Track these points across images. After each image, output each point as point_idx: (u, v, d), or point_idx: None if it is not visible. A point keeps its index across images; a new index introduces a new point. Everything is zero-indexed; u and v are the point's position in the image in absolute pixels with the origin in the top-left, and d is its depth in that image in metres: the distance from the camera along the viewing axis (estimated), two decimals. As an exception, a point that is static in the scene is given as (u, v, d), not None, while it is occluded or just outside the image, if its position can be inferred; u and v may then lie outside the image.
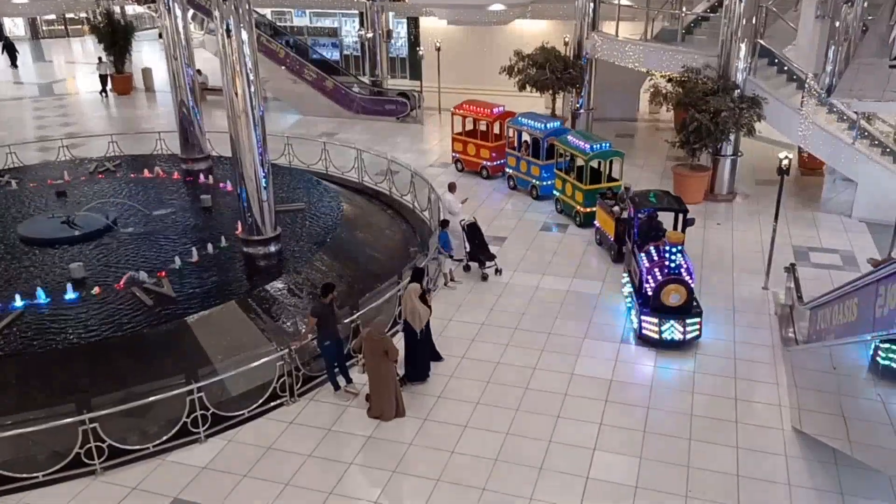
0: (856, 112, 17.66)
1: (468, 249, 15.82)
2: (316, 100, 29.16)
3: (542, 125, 19.87)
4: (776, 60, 19.84)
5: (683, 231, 13.95)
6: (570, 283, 15.35)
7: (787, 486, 9.61)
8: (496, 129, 21.63)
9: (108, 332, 11.68)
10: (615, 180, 18.21)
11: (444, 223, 15.40)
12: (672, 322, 12.49)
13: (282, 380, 11.37)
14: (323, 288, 11.51)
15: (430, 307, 11.96)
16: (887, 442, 7.66)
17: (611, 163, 18.23)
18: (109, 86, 33.93)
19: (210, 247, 14.50)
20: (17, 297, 12.52)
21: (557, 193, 19.13)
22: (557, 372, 12.14)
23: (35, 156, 23.09)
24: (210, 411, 10.68)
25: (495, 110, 21.38)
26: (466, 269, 15.84)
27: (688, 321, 12.51)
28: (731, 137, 19.31)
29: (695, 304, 12.77)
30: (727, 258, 16.36)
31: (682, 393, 11.56)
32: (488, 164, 21.65)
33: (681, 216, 14.13)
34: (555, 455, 10.21)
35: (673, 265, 12.66)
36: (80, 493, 9.68)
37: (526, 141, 20.15)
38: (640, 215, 14.27)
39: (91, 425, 9.82)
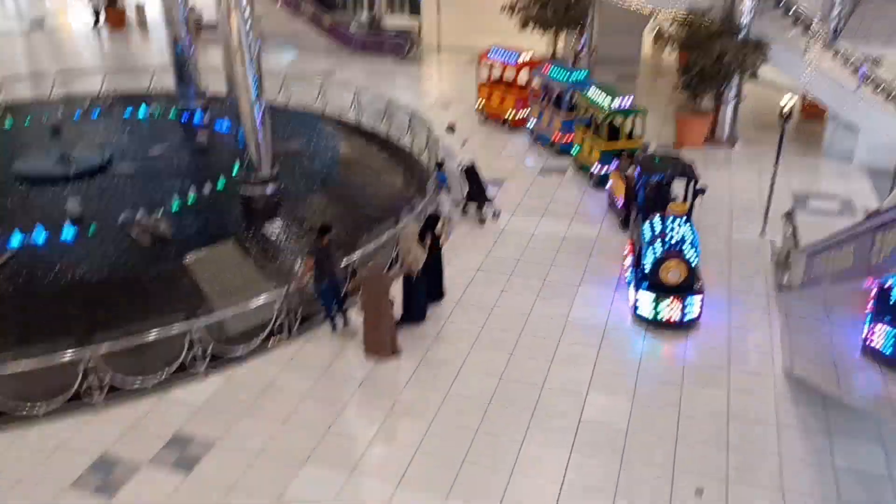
0: (861, 56, 17.39)
1: (466, 192, 15.77)
2: (313, 37, 28.60)
3: (567, 76, 18.67)
4: (782, 2, 19.42)
5: (693, 200, 13.04)
6: (567, 228, 15.35)
7: (775, 426, 9.80)
8: (522, 79, 20.64)
9: (106, 271, 11.71)
10: (635, 139, 17.06)
11: (441, 164, 15.31)
12: (669, 301, 11.62)
13: (280, 320, 11.46)
14: (319, 229, 11.50)
15: (440, 246, 12.06)
16: (874, 387, 7.80)
17: (633, 120, 17.05)
18: (103, 18, 33.20)
19: (207, 187, 14.42)
20: (16, 234, 12.49)
21: (576, 151, 18.15)
22: (552, 317, 12.24)
23: (27, 92, 22.74)
24: (209, 350, 10.80)
25: (521, 58, 20.21)
26: (464, 212, 15.82)
27: (686, 300, 11.63)
28: (734, 81, 19.04)
29: (696, 282, 11.85)
30: (725, 205, 16.33)
31: (675, 338, 11.68)
32: (512, 115, 20.72)
33: (690, 184, 13.10)
34: (548, 398, 10.37)
35: (675, 240, 11.83)
36: (82, 428, 9.85)
37: (550, 93, 19.03)
38: (647, 180, 13.25)
39: (91, 362, 9.94)
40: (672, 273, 11.73)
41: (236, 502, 8.62)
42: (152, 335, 10.37)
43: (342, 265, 12.13)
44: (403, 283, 11.94)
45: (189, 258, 11.92)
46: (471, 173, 15.71)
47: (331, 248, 11.50)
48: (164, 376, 10.57)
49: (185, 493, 8.77)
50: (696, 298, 11.75)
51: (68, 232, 12.66)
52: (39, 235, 12.54)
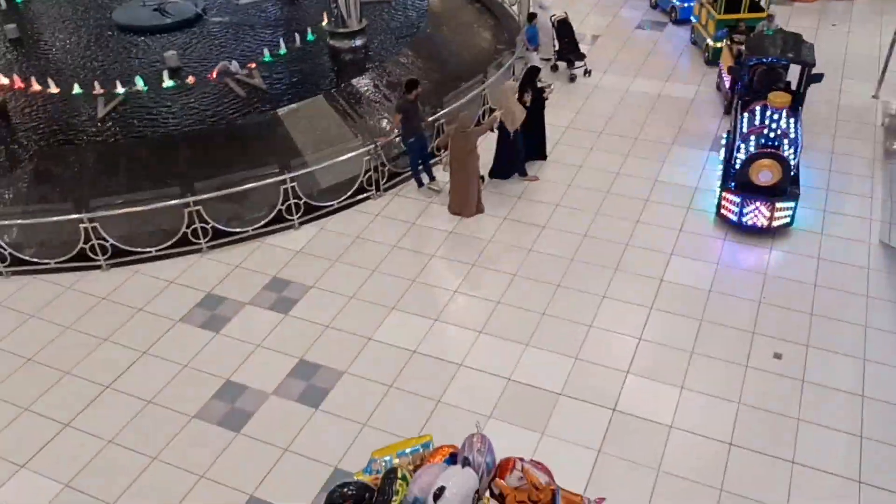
0: None
1: (557, 48, 15.21)
2: None
3: None
4: None
5: (806, 88, 11.63)
6: (662, 87, 14.74)
7: (865, 296, 9.63)
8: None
9: (204, 120, 12.15)
10: (761, 10, 14.99)
11: (532, 16, 14.72)
12: (757, 204, 10.45)
13: (368, 174, 11.74)
14: (407, 84, 11.45)
15: (527, 108, 11.68)
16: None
17: None
18: None
19: (297, 39, 14.43)
20: (118, 84, 12.99)
21: (695, 20, 16.26)
22: (640, 178, 12.05)
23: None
24: (302, 200, 11.25)
25: None
26: (554, 68, 15.34)
27: (778, 205, 10.40)
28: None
29: (792, 185, 10.62)
30: (837, 62, 15.20)
31: (768, 203, 11.35)
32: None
33: (805, 70, 11.47)
34: (631, 257, 10.43)
35: (773, 135, 10.55)
36: (189, 267, 10.64)
37: None
38: (750, 63, 11.70)
39: (195, 207, 10.57)
40: (764, 174, 10.38)
41: (330, 339, 9.29)
42: (250, 184, 10.85)
43: (429, 121, 12.14)
44: (498, 137, 11.88)
45: (282, 111, 12.18)
46: (563, 27, 15.07)
47: (418, 104, 11.49)
48: (262, 224, 11.15)
49: (284, 330, 9.48)
50: (790, 204, 10.52)
51: (167, 82, 13.06)
52: (141, 85, 12.99)
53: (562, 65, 15.26)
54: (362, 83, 13.20)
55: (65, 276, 10.49)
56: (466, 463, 4.07)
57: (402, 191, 12.11)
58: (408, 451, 5.24)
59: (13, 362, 9.17)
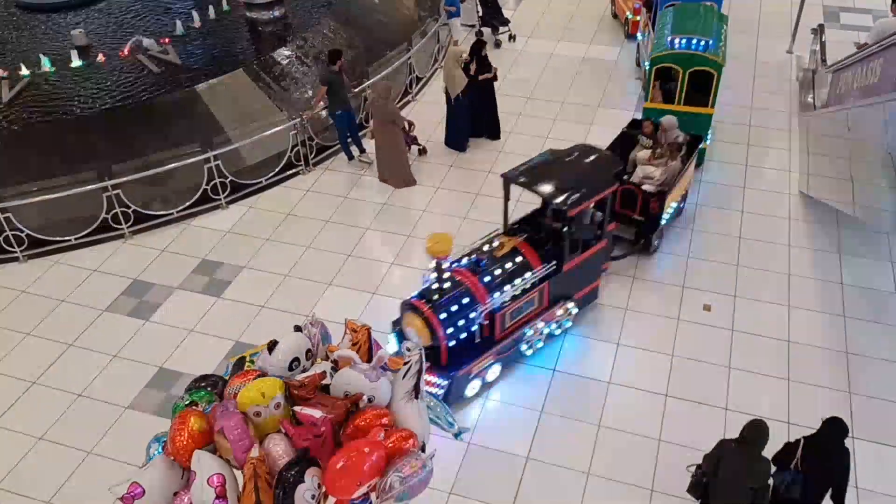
0: None
1: (480, 13, 15.11)
2: None
3: None
4: None
5: None
6: (586, 50, 14.84)
7: (787, 245, 9.99)
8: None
9: (118, 100, 11.62)
10: None
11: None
12: None
13: (296, 149, 11.48)
14: (330, 54, 11.19)
15: (470, 77, 11.52)
16: (890, 203, 7.84)
17: None
18: None
19: (211, 10, 13.90)
20: (22, 65, 12.29)
21: None
22: (570, 141, 12.10)
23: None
24: (229, 179, 10.93)
25: None
26: (479, 34, 15.25)
27: None
28: None
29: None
30: (753, 19, 15.59)
31: (692, 160, 11.61)
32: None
33: None
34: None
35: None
36: (111, 254, 10.24)
37: None
38: None
39: (115, 191, 10.14)
40: None
41: (266, 319, 9.10)
42: (172, 164, 10.46)
43: (355, 92, 11.92)
44: (448, 107, 11.78)
45: (200, 86, 11.74)
46: None
47: (343, 75, 11.25)
48: (187, 205, 10.79)
49: (217, 313, 9.25)
50: None
51: (76, 62, 12.41)
52: (48, 66, 12.31)
53: (486, 31, 15.18)
54: (283, 55, 12.84)
55: (-22, 271, 9.97)
56: (298, 330, 4.63)
57: (332, 164, 11.91)
58: (260, 352, 5.36)
59: (-73, 364, 8.69)
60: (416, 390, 4.39)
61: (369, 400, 4.25)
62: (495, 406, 8.03)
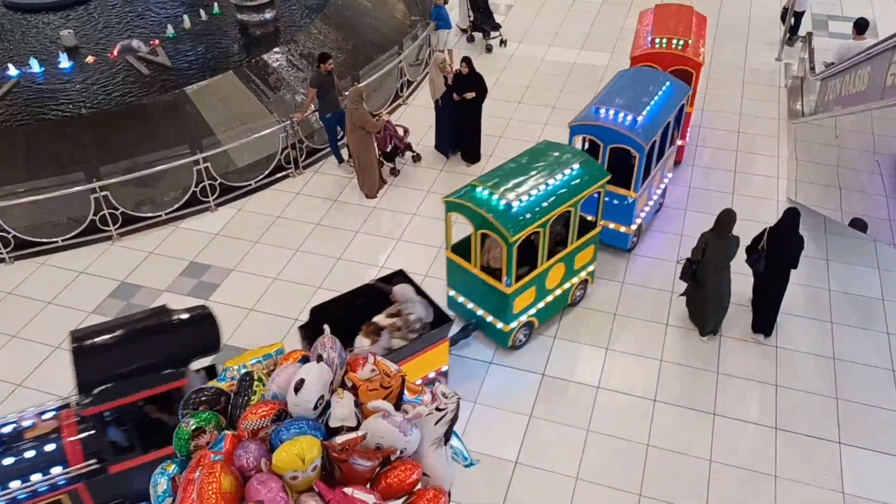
0: None
1: (472, 18, 15.13)
2: None
3: None
4: None
5: None
6: (577, 55, 14.89)
7: (774, 252, 10.04)
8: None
9: (106, 102, 11.56)
10: None
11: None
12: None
13: (286, 152, 11.45)
14: (320, 57, 11.16)
15: (447, 85, 11.35)
16: (876, 210, 7.89)
17: None
18: None
19: (202, 13, 13.87)
20: (10, 66, 12.21)
21: None
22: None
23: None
24: (218, 181, 10.89)
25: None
26: (470, 39, 15.28)
27: None
28: None
29: None
30: (744, 26, 15.69)
31: (683, 167, 11.66)
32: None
33: None
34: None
35: None
36: (99, 256, 10.17)
37: None
38: None
39: (102, 193, 10.08)
40: None
41: (255, 322, 9.06)
42: (161, 166, 10.41)
43: (346, 93, 11.88)
44: (434, 111, 11.75)
45: (190, 88, 11.69)
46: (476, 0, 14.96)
47: (333, 78, 11.24)
48: (175, 207, 10.73)
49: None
50: None
51: (65, 63, 12.34)
52: (36, 67, 12.24)
53: (478, 35, 15.20)
54: (274, 57, 12.81)
55: (-37, 272, 9.88)
56: (320, 359, 4.20)
57: (322, 167, 11.88)
58: (261, 357, 5.08)
59: (-89, 367, 8.60)
60: (447, 437, 4.24)
61: (401, 452, 4.06)
62: (484, 410, 8.01)
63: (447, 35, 14.39)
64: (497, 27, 15.11)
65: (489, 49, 15.03)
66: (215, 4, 14.15)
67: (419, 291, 7.76)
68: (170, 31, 13.26)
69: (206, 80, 11.88)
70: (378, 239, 10.43)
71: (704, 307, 8.64)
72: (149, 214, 10.63)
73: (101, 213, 10.22)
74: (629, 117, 9.16)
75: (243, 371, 4.61)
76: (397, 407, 4.23)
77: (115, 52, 12.63)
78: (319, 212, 10.92)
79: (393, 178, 11.57)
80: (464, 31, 15.29)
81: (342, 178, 11.62)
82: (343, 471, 3.88)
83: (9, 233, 9.94)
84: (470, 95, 11.29)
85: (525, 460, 7.50)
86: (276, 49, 12.93)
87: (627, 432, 7.76)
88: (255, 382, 4.33)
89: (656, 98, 9.58)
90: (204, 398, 4.38)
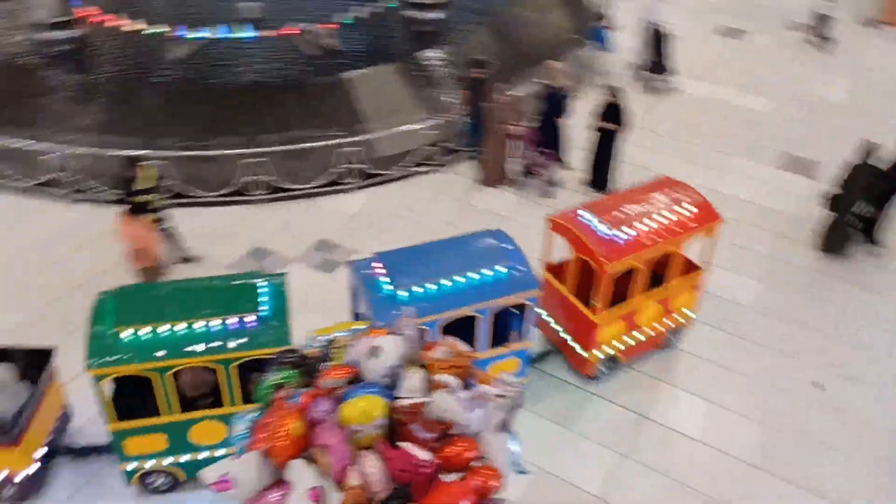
0: None
1: (649, 58, 14.36)
2: None
3: None
4: None
5: None
6: (735, 96, 14.32)
7: (917, 339, 9.30)
8: None
9: (274, 75, 12.32)
10: None
11: (600, 17, 14.23)
12: None
13: (429, 147, 11.79)
14: (476, 62, 11.45)
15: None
16: None
17: None
18: None
19: (377, 5, 14.41)
20: (200, 29, 13.14)
21: None
22: (701, 185, 11.82)
23: None
24: (361, 166, 11.35)
25: None
26: (639, 78, 14.49)
27: None
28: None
29: None
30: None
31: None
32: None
33: None
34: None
35: None
36: (242, 219, 10.85)
37: None
38: None
39: (257, 160, 10.77)
40: None
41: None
42: (311, 143, 10.99)
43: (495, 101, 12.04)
44: (598, 144, 11.43)
45: (351, 74, 12.26)
46: (662, 39, 14.19)
47: (486, 83, 11.43)
48: (316, 184, 11.28)
49: (326, 288, 9.60)
50: None
51: (246, 32, 13.17)
52: (220, 33, 13.10)
53: (646, 74, 14.57)
54: (434, 56, 13.19)
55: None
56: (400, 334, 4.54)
57: (461, 167, 12.10)
58: (348, 331, 5.33)
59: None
60: (507, 425, 4.41)
61: (461, 428, 4.28)
62: (572, 437, 7.93)
63: (608, 58, 14.17)
64: (670, 71, 14.47)
65: (655, 89, 14.45)
66: (395, -1, 14.63)
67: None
68: (346, 17, 13.83)
69: (366, 68, 12.40)
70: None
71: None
72: (293, 186, 11.22)
73: (251, 178, 10.89)
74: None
75: (328, 339, 5.00)
76: (466, 388, 4.44)
77: (293, 30, 13.35)
78: (451, 210, 11.16)
79: (524, 182, 11.64)
80: (637, 66, 14.82)
81: (479, 179, 11.82)
82: (403, 436, 4.16)
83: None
84: (609, 125, 11.12)
85: (607, 496, 7.36)
86: (437, 48, 13.31)
87: (719, 492, 7.45)
88: (337, 350, 4.70)
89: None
90: (289, 359, 4.76)
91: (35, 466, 7.03)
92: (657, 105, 14.00)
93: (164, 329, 6.47)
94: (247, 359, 6.51)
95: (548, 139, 11.55)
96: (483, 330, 7.33)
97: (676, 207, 8.20)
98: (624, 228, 7.79)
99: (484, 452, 4.32)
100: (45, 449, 7.16)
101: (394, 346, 4.43)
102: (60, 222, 10.64)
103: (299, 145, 10.97)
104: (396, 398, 4.28)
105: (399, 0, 14.65)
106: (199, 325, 6.52)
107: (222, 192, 11.00)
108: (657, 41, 14.31)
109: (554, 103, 11.32)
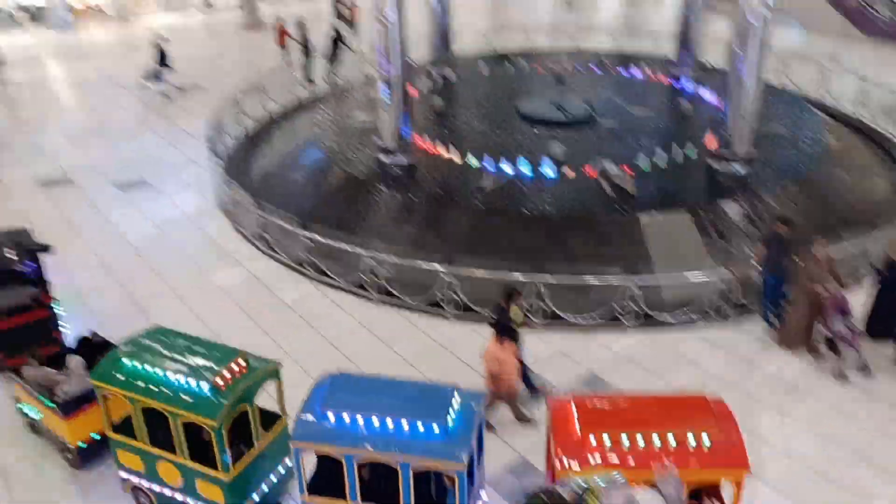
0: None
1: None
2: (826, 15, 26.22)
3: None
4: None
5: None
6: None
7: None
8: None
9: (569, 208, 12.99)
10: None
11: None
12: None
13: (714, 298, 11.44)
14: (779, 218, 11.07)
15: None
16: None
17: None
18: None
19: (678, 153, 14.60)
20: (513, 164, 14.26)
21: None
22: None
23: (541, 40, 25.34)
24: (640, 308, 11.33)
25: None
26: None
27: None
28: None
29: None
30: None
31: None
32: None
33: None
34: None
35: None
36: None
37: None
38: None
39: (540, 287, 11.30)
40: None
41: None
42: (596, 279, 11.28)
43: (795, 262, 11.39)
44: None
45: (644, 217, 12.47)
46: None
47: (786, 241, 10.89)
48: (592, 316, 11.44)
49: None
50: None
51: (549, 171, 14.08)
52: (527, 169, 14.14)
53: None
54: (732, 207, 12.94)
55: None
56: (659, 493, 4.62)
57: (746, 325, 11.49)
58: (603, 479, 5.17)
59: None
60: None
61: None
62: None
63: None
64: None
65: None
66: (691, 146, 14.73)
67: None
68: (645, 164, 14.18)
69: (660, 214, 12.54)
70: (789, 413, 9.65)
71: None
72: (568, 315, 11.48)
73: (532, 304, 11.37)
74: None
75: (583, 484, 5.03)
76: None
77: (591, 171, 14.03)
78: (727, 367, 10.60)
79: (825, 354, 10.64)
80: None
81: (762, 339, 11.15)
82: None
83: (459, 297, 11.66)
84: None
85: None
86: (737, 200, 13.06)
87: None
88: (591, 497, 4.81)
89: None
90: (546, 499, 4.87)
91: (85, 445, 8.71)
92: None
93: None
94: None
95: (880, 314, 10.78)
96: (405, 487, 6.88)
97: (691, 433, 6.67)
98: (604, 435, 6.65)
99: None
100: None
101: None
102: (360, 318, 11.97)
103: (583, 279, 11.28)
104: None
105: (699, 148, 14.72)
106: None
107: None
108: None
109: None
